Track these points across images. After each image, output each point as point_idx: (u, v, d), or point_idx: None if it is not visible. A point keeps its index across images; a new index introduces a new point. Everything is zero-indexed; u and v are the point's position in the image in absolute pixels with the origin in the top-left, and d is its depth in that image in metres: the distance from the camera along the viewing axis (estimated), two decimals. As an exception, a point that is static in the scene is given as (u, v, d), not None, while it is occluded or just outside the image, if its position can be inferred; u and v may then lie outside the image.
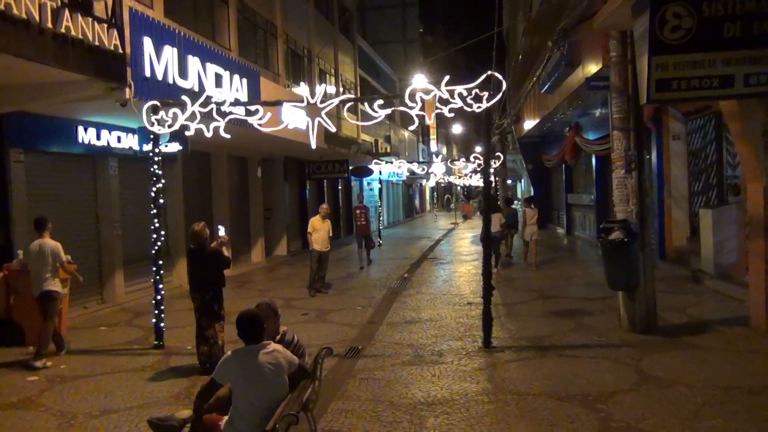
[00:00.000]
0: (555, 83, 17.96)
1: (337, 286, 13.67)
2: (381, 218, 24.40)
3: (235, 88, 11.70)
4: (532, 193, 30.94)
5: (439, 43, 54.67)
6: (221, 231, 7.77)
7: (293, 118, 15.53)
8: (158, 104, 8.12)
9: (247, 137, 14.25)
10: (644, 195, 8.40)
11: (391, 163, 24.90)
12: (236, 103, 8.22)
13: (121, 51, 8.32)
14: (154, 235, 8.43)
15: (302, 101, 7.98)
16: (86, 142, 10.69)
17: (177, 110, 8.09)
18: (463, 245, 23.16)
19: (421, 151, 49.93)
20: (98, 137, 10.93)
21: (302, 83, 19.63)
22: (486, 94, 7.61)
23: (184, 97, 8.07)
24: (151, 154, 8.46)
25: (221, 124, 8.15)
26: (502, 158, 25.91)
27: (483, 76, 7.67)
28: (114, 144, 11.35)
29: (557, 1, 17.55)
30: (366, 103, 7.84)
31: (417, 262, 17.87)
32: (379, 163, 23.86)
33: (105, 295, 11.52)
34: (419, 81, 7.30)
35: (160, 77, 9.37)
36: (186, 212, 14.00)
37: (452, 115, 7.85)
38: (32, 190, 9.90)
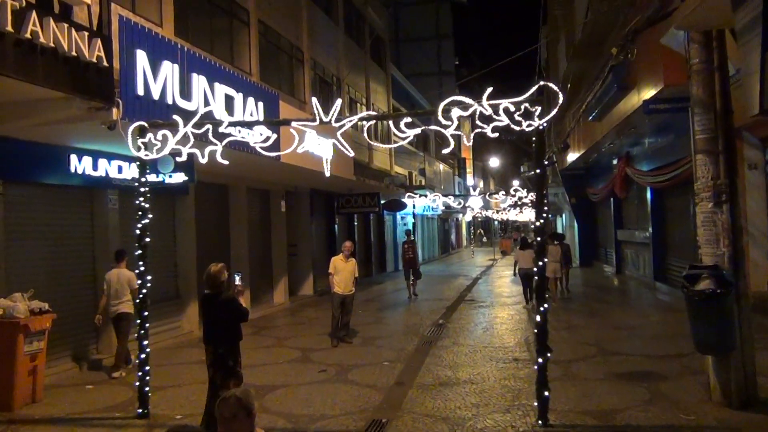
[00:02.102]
0: (604, 109, 16.45)
1: (364, 332, 12.14)
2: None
3: (250, 113, 10.46)
4: (576, 229, 29.10)
5: (475, 74, 53.58)
6: (237, 279, 6.50)
7: (318, 146, 14.35)
8: (146, 125, 6.86)
9: (266, 168, 13.06)
10: (738, 234, 6.73)
11: (426, 196, 23.47)
12: (235, 123, 6.94)
13: (106, 64, 7.11)
14: (139, 281, 7.06)
15: (314, 120, 6.62)
16: (81, 172, 9.49)
17: (167, 132, 6.81)
18: (503, 285, 21.43)
19: (457, 184, 48.42)
20: (95, 167, 9.74)
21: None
22: (538, 109, 6.16)
23: (176, 117, 6.79)
24: (136, 184, 7.17)
25: (218, 148, 6.82)
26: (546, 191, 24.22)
27: (534, 87, 6.24)
28: (114, 174, 10.15)
29: (605, 19, 16.14)
30: (392, 124, 6.41)
31: (453, 305, 16.24)
32: (413, 197, 22.46)
33: (101, 345, 10.17)
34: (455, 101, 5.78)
35: (156, 96, 8.14)
36: (199, 250, 12.73)
37: (496, 135, 6.39)
38: (13, 226, 8.72)
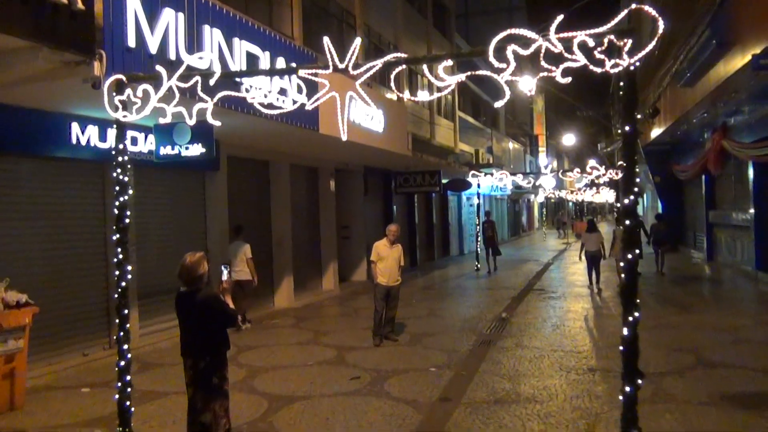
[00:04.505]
0: (698, 72, 14.16)
1: (413, 327, 10.62)
2: (479, 239, 21.09)
3: (279, 76, 9.05)
4: (660, 209, 26.48)
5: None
6: (225, 273, 5.10)
7: (367, 117, 12.86)
8: (123, 79, 5.51)
9: (308, 142, 11.68)
10: None
11: (491, 175, 21.60)
12: (227, 74, 5.54)
13: (81, 6, 5.80)
14: (117, 272, 5.76)
15: (327, 68, 5.10)
16: (85, 143, 8.36)
17: (148, 87, 5.45)
18: (577, 271, 19.37)
19: (529, 163, 45.94)
20: (103, 138, 8.59)
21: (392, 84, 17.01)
22: (628, 42, 4.41)
23: (159, 68, 5.41)
24: (113, 152, 5.85)
25: (209, 105, 5.40)
26: (625, 169, 21.83)
27: (624, 12, 4.49)
28: (127, 147, 8.97)
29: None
30: (428, 71, 4.81)
31: (520, 295, 14.47)
32: (477, 176, 20.65)
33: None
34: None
35: (153, 50, 6.82)
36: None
37: (568, 80, 4.69)
38: (3, 204, 7.67)
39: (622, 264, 4.50)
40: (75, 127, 8.20)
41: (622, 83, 4.56)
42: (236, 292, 9.98)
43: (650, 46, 4.42)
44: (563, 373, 7.54)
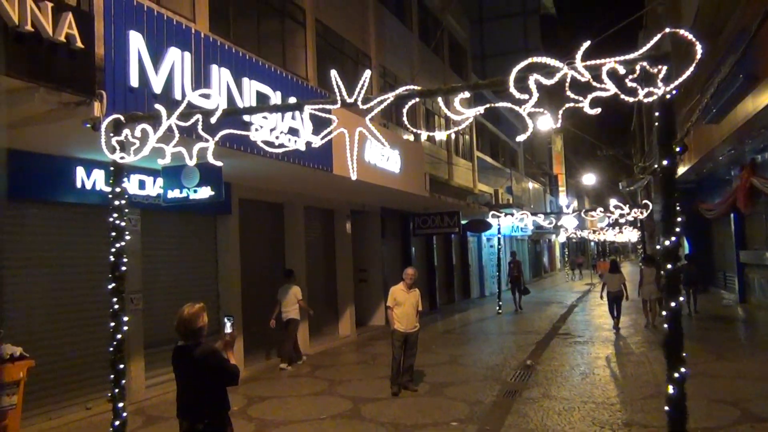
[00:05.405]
0: (724, 108, 13.73)
1: (433, 376, 10.07)
2: (499, 280, 20.58)
3: (291, 116, 8.79)
4: (687, 250, 25.68)
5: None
6: (228, 326, 4.67)
7: (382, 158, 12.55)
8: (121, 118, 5.24)
9: (322, 184, 11.42)
10: None
11: (512, 215, 21.13)
12: (230, 111, 5.24)
13: (80, 45, 5.58)
14: (113, 323, 5.38)
15: (335, 103, 4.77)
16: (90, 188, 8.11)
17: (147, 126, 5.17)
18: (603, 314, 18.59)
19: (549, 203, 45.33)
20: (109, 182, 8.29)
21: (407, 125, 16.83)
22: (662, 69, 4.05)
23: (158, 106, 5.13)
24: (110, 196, 5.54)
25: (210, 145, 5.08)
26: (650, 207, 21.28)
27: (656, 38, 4.13)
28: (134, 191, 8.74)
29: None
30: (443, 104, 4.47)
31: (544, 340, 13.84)
32: (498, 216, 20.18)
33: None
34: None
35: (158, 90, 6.58)
36: (245, 277, 11.17)
37: (597, 111, 4.31)
38: (5, 253, 7.39)
39: (661, 311, 4.02)
40: (80, 171, 7.98)
41: (657, 113, 4.17)
42: (282, 332, 11.48)
43: (688, 72, 4.03)
44: (596, 429, 6.96)
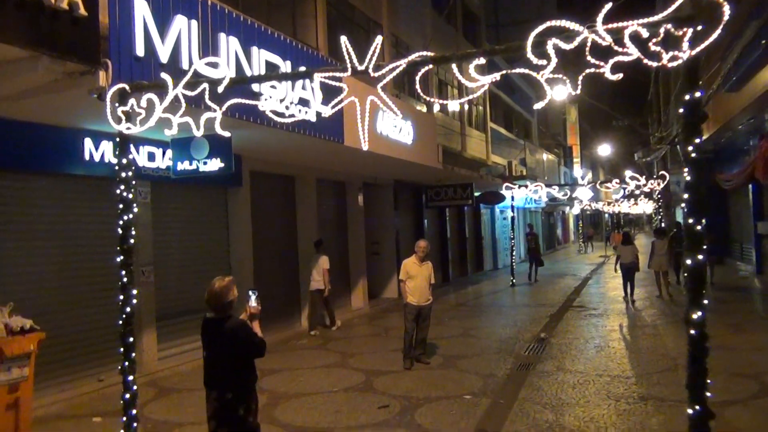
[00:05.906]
0: (744, 76, 13.39)
1: (446, 349, 10.01)
2: (513, 252, 20.45)
3: (301, 85, 8.62)
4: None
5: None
6: (253, 299, 4.61)
7: (395, 129, 12.36)
8: (126, 88, 5.11)
9: (333, 155, 11.26)
10: None
11: (526, 187, 20.88)
12: (237, 80, 5.10)
13: (83, 12, 5.43)
14: (122, 296, 5.33)
15: (345, 70, 4.60)
16: (98, 159, 8.02)
17: (153, 96, 5.04)
18: (617, 286, 18.47)
19: (563, 174, 44.85)
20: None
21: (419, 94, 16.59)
22: (689, 31, 3.84)
23: (164, 75, 4.99)
24: (116, 167, 5.43)
25: (218, 114, 4.95)
26: (667, 178, 20.96)
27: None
28: (144, 163, 8.65)
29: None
30: (457, 70, 4.28)
31: (558, 312, 13.75)
32: (511, 188, 19.97)
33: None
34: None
35: (164, 59, 6.43)
36: (257, 250, 11.11)
37: (619, 77, 4.12)
38: (10, 224, 7.35)
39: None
40: (88, 142, 7.88)
41: (681, 79, 3.97)
42: (316, 301, 12.00)
43: (715, 34, 3.82)
44: (612, 402, 6.87)
